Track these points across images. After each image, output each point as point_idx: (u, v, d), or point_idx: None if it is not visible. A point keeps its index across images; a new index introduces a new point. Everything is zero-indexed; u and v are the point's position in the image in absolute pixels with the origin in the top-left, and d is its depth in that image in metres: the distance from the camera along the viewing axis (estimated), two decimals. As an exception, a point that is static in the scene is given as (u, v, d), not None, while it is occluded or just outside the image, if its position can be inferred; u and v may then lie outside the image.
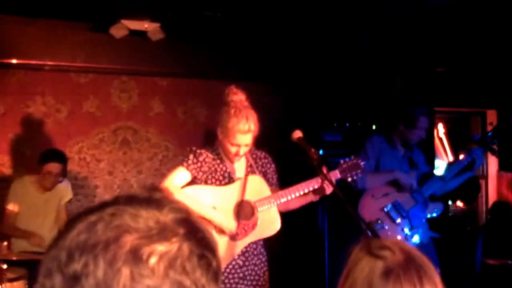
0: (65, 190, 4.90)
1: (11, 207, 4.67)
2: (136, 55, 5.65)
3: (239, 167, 3.52)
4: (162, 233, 0.78)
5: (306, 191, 3.40)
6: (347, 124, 5.92)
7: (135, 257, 0.74)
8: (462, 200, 6.51)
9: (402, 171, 4.39)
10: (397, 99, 5.86)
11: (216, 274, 0.82)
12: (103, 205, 0.81)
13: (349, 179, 3.55)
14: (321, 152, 5.46)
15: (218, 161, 3.47)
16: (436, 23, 5.19)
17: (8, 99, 5.34)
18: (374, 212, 4.27)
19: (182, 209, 0.85)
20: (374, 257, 1.43)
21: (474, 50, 5.62)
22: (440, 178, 4.47)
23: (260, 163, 3.59)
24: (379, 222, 4.22)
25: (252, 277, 3.48)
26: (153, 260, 0.75)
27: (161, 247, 0.76)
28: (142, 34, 5.29)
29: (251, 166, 3.53)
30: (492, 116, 6.41)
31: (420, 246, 4.17)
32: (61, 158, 4.73)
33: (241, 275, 3.44)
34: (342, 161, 3.55)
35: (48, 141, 5.35)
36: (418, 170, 4.52)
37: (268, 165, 3.62)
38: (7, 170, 5.32)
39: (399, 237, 4.22)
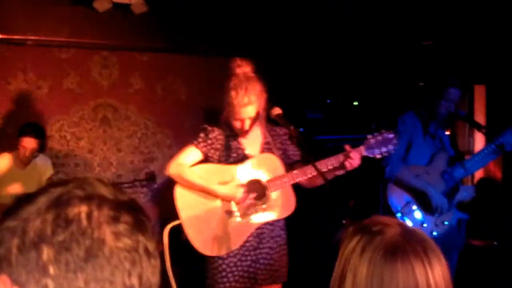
0: (44, 166, 5.24)
1: None
2: (118, 30, 5.97)
3: (254, 144, 3.61)
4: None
5: (324, 170, 3.35)
6: (328, 101, 6.18)
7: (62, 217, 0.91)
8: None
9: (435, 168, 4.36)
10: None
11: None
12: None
13: (378, 156, 3.51)
14: (301, 129, 5.65)
15: (231, 138, 3.56)
16: None
17: None
18: (406, 194, 4.32)
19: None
20: (373, 235, 1.41)
21: (462, 24, 5.85)
22: (461, 165, 4.37)
23: (279, 140, 3.65)
24: (411, 205, 4.29)
25: (266, 261, 3.55)
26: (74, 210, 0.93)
27: (76, 208, 0.93)
28: (125, 7, 5.63)
29: (267, 143, 3.60)
30: (480, 92, 6.55)
31: (449, 228, 4.33)
32: (37, 132, 5.03)
33: (254, 257, 3.52)
34: (369, 136, 3.51)
35: (29, 118, 5.58)
36: (448, 152, 4.50)
37: (289, 142, 3.63)
38: None
39: (431, 221, 4.28)
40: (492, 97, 6.48)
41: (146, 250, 0.95)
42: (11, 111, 5.77)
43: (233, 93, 3.36)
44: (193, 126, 6.23)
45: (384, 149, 3.48)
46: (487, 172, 6.32)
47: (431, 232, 4.25)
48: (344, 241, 1.47)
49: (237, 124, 3.46)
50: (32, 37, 5.69)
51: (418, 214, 4.29)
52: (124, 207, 0.97)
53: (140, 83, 6.31)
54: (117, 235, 0.92)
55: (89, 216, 0.91)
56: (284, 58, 6.40)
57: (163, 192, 6.23)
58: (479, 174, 6.25)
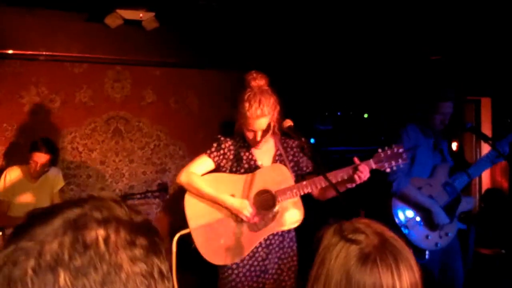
0: (56, 178, 5.27)
1: (1, 196, 5.03)
2: (130, 45, 6.07)
3: (267, 155, 3.63)
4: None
5: (334, 182, 3.35)
6: (339, 113, 6.24)
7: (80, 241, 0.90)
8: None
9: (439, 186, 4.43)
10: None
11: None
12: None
13: (388, 170, 3.52)
14: (312, 140, 5.75)
15: (244, 149, 3.60)
16: (431, 12, 5.48)
17: (2, 89, 5.74)
18: (410, 208, 4.37)
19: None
20: (349, 242, 1.50)
21: (469, 39, 5.94)
22: (466, 173, 4.47)
23: (292, 152, 3.66)
24: (416, 218, 4.34)
25: (274, 271, 3.56)
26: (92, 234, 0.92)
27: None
28: (137, 23, 5.70)
29: (280, 155, 3.62)
30: (486, 104, 6.69)
31: (452, 238, 4.42)
32: (49, 148, 5.06)
33: (263, 268, 3.53)
34: (380, 150, 3.52)
35: (41, 131, 5.69)
36: (448, 163, 4.56)
37: (301, 154, 3.66)
38: (1, 160, 5.71)
39: (435, 233, 4.33)
40: (497, 109, 6.59)
41: (161, 273, 0.96)
42: (24, 124, 5.83)
43: (246, 105, 3.39)
44: (205, 138, 6.34)
45: (393, 163, 3.49)
46: (493, 182, 6.42)
47: (436, 244, 4.32)
48: (323, 240, 1.56)
49: (250, 135, 3.49)
50: (45, 53, 5.77)
51: (423, 228, 4.35)
52: (139, 230, 0.97)
53: (153, 96, 6.39)
54: (133, 260, 0.92)
55: (106, 240, 0.92)
56: (296, 71, 6.45)
57: (176, 203, 6.24)
58: (486, 184, 6.35)
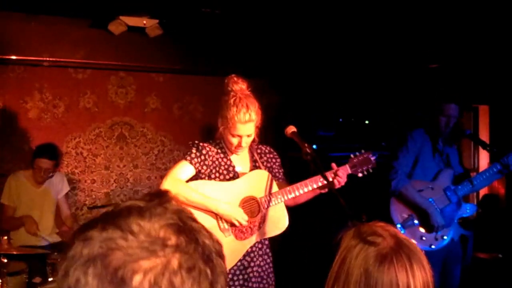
0: (60, 183, 5.32)
1: (6, 201, 5.08)
2: (134, 51, 6.10)
3: (243, 161, 3.56)
4: (150, 248, 0.83)
5: (314, 186, 3.41)
6: (340, 119, 6.32)
7: (118, 277, 0.80)
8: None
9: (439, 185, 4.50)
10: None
11: (212, 283, 0.87)
12: (98, 220, 0.88)
13: (360, 174, 3.59)
14: (314, 146, 5.77)
15: (222, 155, 3.50)
16: (430, 21, 5.55)
17: (7, 94, 5.78)
18: (407, 208, 4.46)
19: (177, 212, 0.91)
20: (368, 244, 1.58)
21: (466, 47, 6.00)
22: (470, 182, 4.50)
23: (265, 158, 3.63)
24: (413, 219, 4.41)
25: (255, 279, 3.49)
26: (137, 279, 0.80)
27: (146, 263, 0.81)
28: (140, 30, 5.73)
29: (255, 161, 3.56)
30: (484, 112, 6.76)
31: (450, 243, 4.48)
32: (52, 154, 5.11)
33: (245, 276, 3.46)
34: (352, 156, 3.60)
35: (45, 136, 5.75)
36: (454, 169, 4.61)
37: (274, 160, 3.65)
38: (6, 165, 5.73)
39: (431, 235, 4.41)
40: (495, 116, 6.68)
41: None
42: (28, 129, 5.87)
43: (234, 109, 3.31)
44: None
45: (364, 168, 3.59)
46: (491, 189, 6.48)
47: (430, 246, 4.39)
48: (343, 242, 1.65)
49: (234, 141, 3.40)
50: (48, 58, 5.80)
51: (418, 228, 4.42)
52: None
53: (156, 102, 6.43)
54: None
55: None
56: (299, 78, 6.52)
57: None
58: (483, 190, 6.36)
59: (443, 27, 5.71)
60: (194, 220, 0.93)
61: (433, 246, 4.40)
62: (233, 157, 3.54)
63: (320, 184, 3.42)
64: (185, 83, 6.55)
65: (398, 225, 4.38)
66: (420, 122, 4.69)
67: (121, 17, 5.61)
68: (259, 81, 6.28)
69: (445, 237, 4.43)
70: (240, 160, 3.56)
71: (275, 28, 6.11)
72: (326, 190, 3.44)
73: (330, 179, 3.39)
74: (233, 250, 3.40)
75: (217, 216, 3.39)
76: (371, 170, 3.62)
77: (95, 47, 5.98)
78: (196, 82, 6.59)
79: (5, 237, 4.21)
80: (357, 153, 3.61)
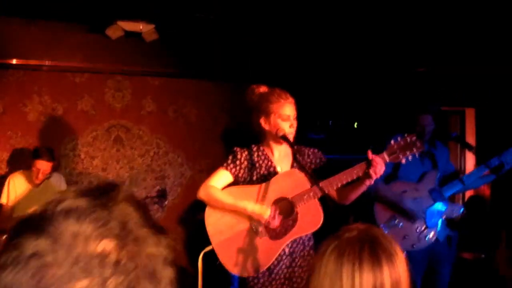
0: (58, 183, 5.39)
1: (5, 201, 5.18)
2: (131, 56, 6.17)
3: (285, 163, 3.59)
4: (86, 266, 0.75)
5: (349, 180, 3.35)
6: (330, 122, 6.40)
7: None
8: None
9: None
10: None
11: None
12: (31, 223, 0.80)
13: (403, 161, 3.37)
14: None
15: (263, 157, 3.56)
16: (417, 25, 5.65)
17: (6, 98, 5.85)
18: (389, 209, 4.50)
19: (123, 217, 0.82)
20: (336, 238, 1.63)
21: (453, 51, 6.10)
22: (460, 181, 4.53)
23: (309, 160, 3.62)
24: (395, 219, 4.47)
25: (296, 279, 3.53)
26: None
27: (80, 285, 0.74)
28: (137, 35, 5.80)
29: (298, 161, 3.56)
30: (470, 114, 6.84)
31: (435, 243, 4.50)
32: (51, 156, 5.21)
33: (287, 275, 3.50)
34: (392, 141, 3.37)
35: (44, 139, 5.85)
36: (440, 169, 4.63)
37: (318, 161, 3.63)
38: (6, 166, 5.84)
39: (413, 235, 4.46)
40: (481, 119, 6.77)
41: None
42: (27, 131, 5.94)
43: (275, 95, 3.45)
44: (203, 146, 6.54)
45: (408, 153, 3.34)
46: (476, 190, 6.44)
47: (412, 245, 4.43)
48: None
49: (286, 125, 3.43)
50: (47, 63, 5.88)
51: (400, 227, 4.46)
52: None
53: (152, 105, 6.48)
54: None
55: None
56: (290, 82, 6.24)
57: (175, 209, 6.50)
58: (469, 191, 6.44)
59: (430, 31, 5.79)
60: (142, 225, 0.84)
61: (415, 246, 4.44)
62: (274, 158, 3.58)
63: (355, 177, 3.33)
64: (180, 87, 6.61)
65: (381, 226, 4.44)
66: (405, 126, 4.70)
67: (118, 22, 5.69)
68: (251, 85, 6.44)
69: (427, 238, 4.46)
70: (281, 161, 3.60)
71: (267, 33, 6.18)
72: (371, 181, 3.31)
73: (366, 171, 3.29)
74: (268, 250, 3.44)
75: (249, 217, 3.45)
76: (417, 155, 3.40)
77: (92, 51, 6.04)
78: (191, 86, 6.65)
79: (4, 237, 4.24)
80: (399, 138, 3.36)
